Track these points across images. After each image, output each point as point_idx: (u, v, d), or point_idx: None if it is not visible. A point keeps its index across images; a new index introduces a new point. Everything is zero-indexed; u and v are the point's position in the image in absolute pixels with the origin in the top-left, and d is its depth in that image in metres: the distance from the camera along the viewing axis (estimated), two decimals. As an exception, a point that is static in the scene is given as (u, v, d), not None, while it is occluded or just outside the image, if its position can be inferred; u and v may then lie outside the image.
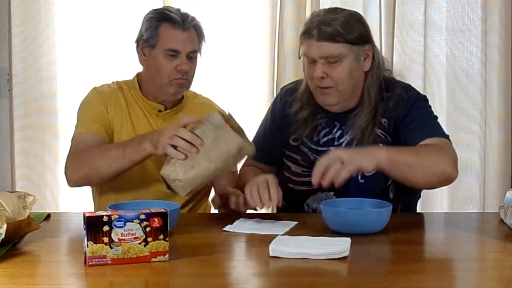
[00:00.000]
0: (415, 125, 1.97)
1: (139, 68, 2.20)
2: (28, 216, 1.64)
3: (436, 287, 1.38)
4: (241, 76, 3.01)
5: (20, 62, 2.99)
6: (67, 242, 1.74)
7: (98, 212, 1.48)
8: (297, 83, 2.14)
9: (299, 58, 2.03)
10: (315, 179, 1.72)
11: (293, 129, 2.09)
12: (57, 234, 1.80)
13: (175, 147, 1.76)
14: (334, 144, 2.05)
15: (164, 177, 1.78)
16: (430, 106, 2.06)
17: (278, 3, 2.98)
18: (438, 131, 1.96)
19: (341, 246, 1.54)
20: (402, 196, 2.04)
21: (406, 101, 2.01)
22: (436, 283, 1.40)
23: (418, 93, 2.09)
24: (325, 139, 2.06)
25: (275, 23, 2.98)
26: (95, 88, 2.19)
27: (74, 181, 1.99)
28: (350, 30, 1.94)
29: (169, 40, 2.07)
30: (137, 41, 2.14)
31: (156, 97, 2.14)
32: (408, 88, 2.07)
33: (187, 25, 2.07)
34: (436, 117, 2.04)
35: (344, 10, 2.01)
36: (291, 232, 1.75)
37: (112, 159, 1.90)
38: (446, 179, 1.82)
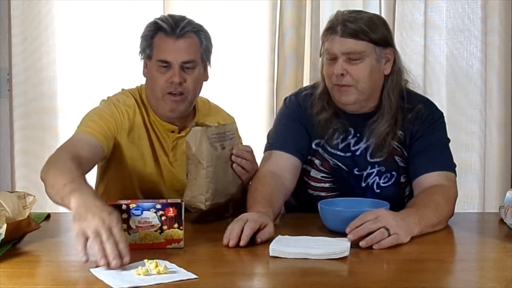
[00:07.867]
0: (427, 154, 1.98)
1: (139, 70, 2.18)
2: (28, 216, 1.64)
3: (436, 287, 1.39)
4: (241, 77, 3.01)
5: (20, 63, 2.99)
6: (67, 242, 1.73)
7: (118, 201, 1.58)
8: (312, 89, 2.09)
9: (320, 56, 2.03)
10: (350, 228, 1.63)
11: (315, 131, 2.04)
12: (57, 234, 1.80)
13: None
14: (350, 150, 2.04)
15: (187, 204, 1.76)
16: (445, 128, 2.08)
17: (278, 4, 2.98)
18: (446, 164, 1.99)
19: (341, 246, 1.54)
20: None
21: (424, 119, 2.02)
22: (436, 283, 1.40)
23: (437, 110, 2.08)
24: (343, 144, 2.04)
25: (275, 24, 2.98)
26: (109, 100, 1.99)
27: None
28: (374, 29, 1.94)
29: (159, 50, 1.93)
30: (139, 53, 2.02)
31: (163, 115, 1.99)
32: (427, 103, 2.07)
33: (179, 32, 1.92)
34: (448, 143, 2.05)
35: (368, 12, 2.07)
36: (291, 232, 1.74)
37: (57, 189, 1.65)
38: None
